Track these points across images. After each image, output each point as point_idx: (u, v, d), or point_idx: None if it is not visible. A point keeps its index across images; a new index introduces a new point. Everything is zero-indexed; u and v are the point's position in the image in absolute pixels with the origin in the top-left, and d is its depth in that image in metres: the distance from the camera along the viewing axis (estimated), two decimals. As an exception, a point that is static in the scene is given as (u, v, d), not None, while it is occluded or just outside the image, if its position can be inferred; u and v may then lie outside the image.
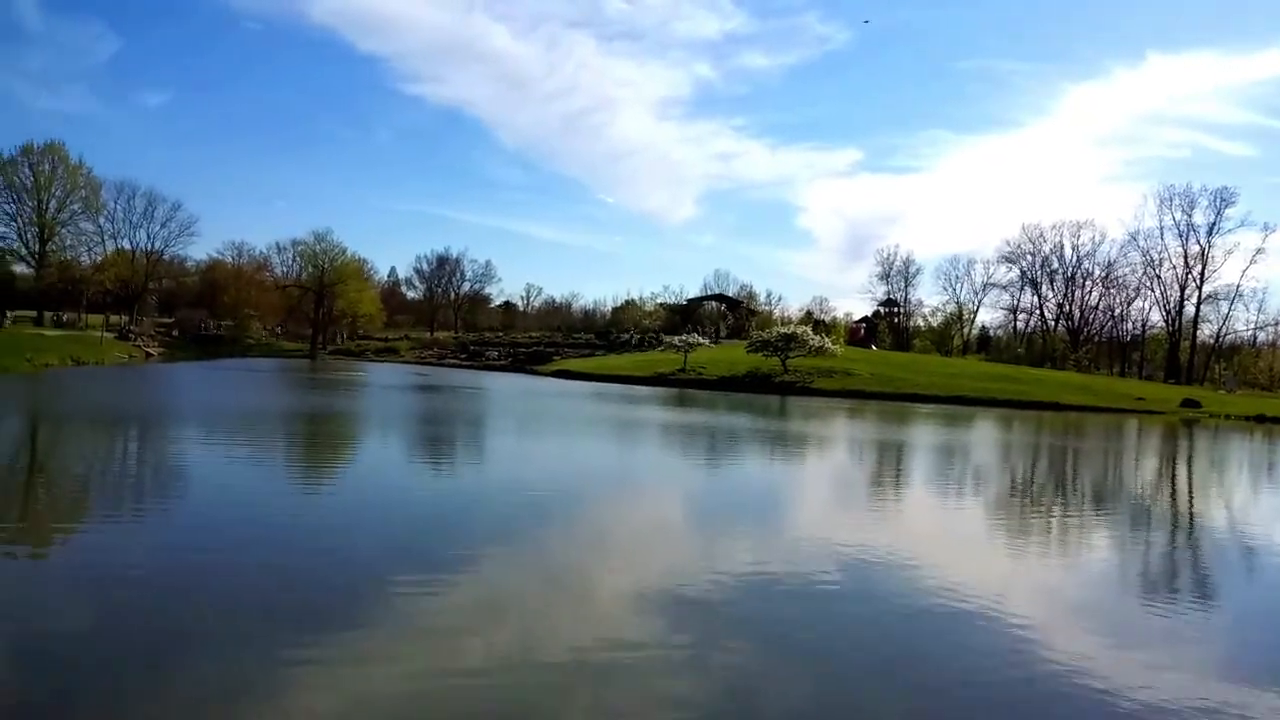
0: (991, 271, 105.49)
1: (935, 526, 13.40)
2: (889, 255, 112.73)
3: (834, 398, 47.15)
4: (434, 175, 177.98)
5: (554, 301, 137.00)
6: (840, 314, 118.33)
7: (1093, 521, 14.42)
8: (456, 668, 6.23)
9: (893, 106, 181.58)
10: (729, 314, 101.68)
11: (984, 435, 31.43)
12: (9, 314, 57.04)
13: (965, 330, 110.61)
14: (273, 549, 9.40)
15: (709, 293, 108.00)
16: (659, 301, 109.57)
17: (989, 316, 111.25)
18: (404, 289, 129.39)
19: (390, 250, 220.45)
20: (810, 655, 6.90)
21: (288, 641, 6.53)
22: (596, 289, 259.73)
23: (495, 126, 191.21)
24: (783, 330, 60.56)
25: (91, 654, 6.18)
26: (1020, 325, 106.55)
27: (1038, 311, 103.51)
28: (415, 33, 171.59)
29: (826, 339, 60.85)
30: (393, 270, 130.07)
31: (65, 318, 75.28)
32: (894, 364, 62.62)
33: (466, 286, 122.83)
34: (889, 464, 21.38)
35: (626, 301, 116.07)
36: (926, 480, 18.79)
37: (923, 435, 29.11)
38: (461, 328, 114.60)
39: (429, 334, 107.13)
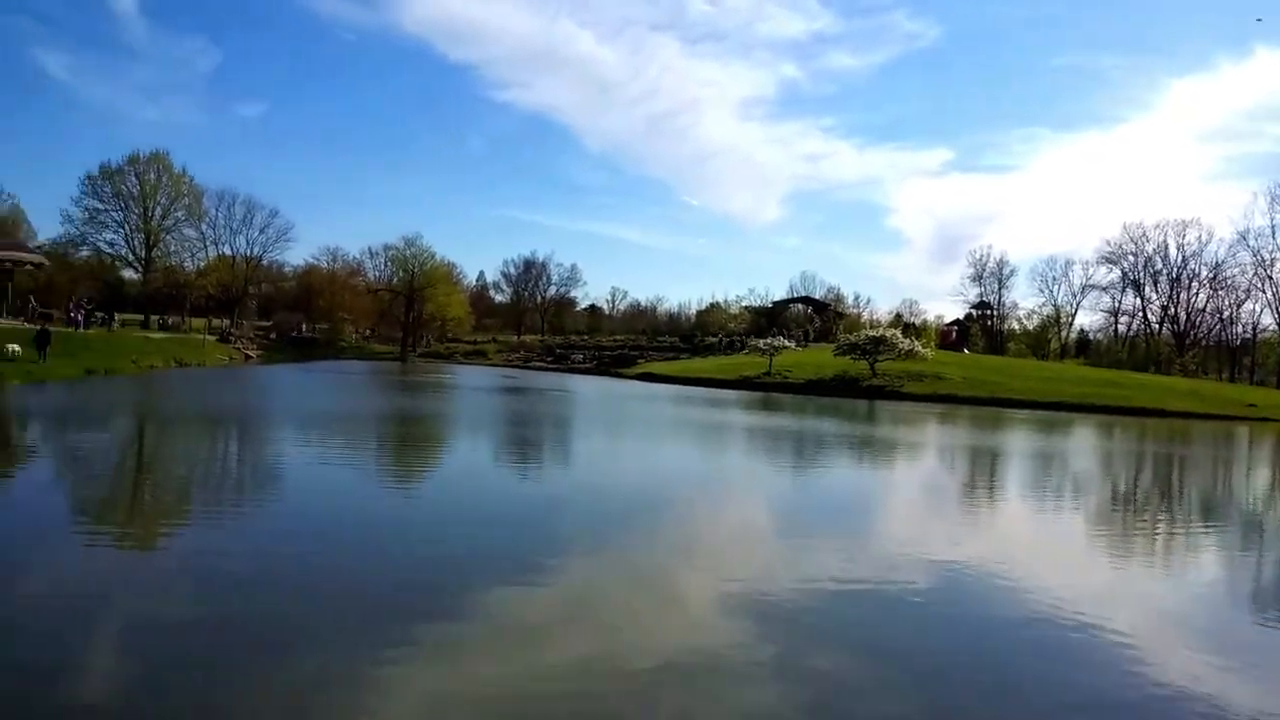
0: (1091, 273, 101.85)
1: (1032, 537, 12.93)
2: (982, 256, 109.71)
3: (924, 402, 46.14)
4: (521, 180, 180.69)
5: (639, 305, 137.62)
6: (930, 317, 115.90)
7: (1201, 534, 13.73)
8: (541, 670, 6.22)
9: (985, 104, 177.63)
10: (816, 317, 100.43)
11: (1084, 442, 30.33)
12: (117, 317, 59.72)
13: (1063, 334, 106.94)
14: (364, 547, 9.57)
15: (795, 295, 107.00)
16: (744, 304, 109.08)
17: (1088, 319, 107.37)
18: (492, 292, 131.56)
19: (479, 254, 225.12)
20: (900, 668, 6.67)
21: (376, 639, 6.58)
22: (681, 292, 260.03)
23: (581, 131, 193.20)
24: (871, 333, 59.50)
25: (191, 643, 6.35)
26: (1122, 329, 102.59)
27: (1140, 314, 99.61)
28: (503, 40, 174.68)
29: (917, 342, 59.56)
30: (481, 274, 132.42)
31: (170, 321, 78.68)
32: (987, 368, 60.97)
33: (553, 290, 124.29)
34: (982, 471, 20.77)
35: (711, 304, 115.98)
36: (1022, 489, 18.20)
37: (1018, 441, 28.27)
38: (548, 331, 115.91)
39: (516, 337, 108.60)
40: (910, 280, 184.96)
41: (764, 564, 9.86)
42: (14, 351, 35.04)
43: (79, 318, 53.62)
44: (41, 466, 14.78)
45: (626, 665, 6.37)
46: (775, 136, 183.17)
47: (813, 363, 60.30)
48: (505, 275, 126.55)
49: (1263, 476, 23.13)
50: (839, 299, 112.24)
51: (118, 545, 9.39)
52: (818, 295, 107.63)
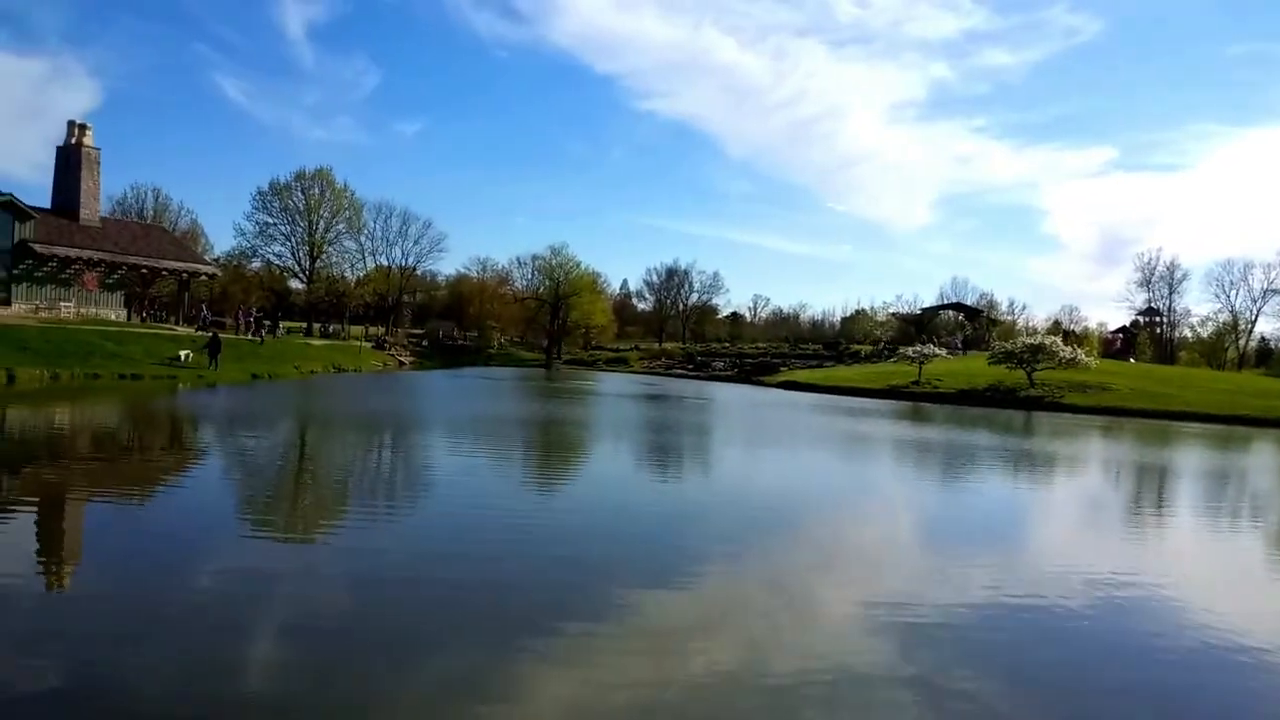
0: (1273, 276, 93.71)
1: (1204, 559, 11.95)
2: (1149, 260, 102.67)
3: (1087, 414, 43.50)
4: (664, 188, 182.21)
5: (781, 312, 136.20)
6: (1092, 324, 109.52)
7: None
8: (679, 679, 6.14)
9: (1151, 100, 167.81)
10: (967, 324, 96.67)
11: (1268, 459, 27.86)
12: (283, 325, 63.30)
13: (1241, 342, 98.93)
14: (510, 548, 9.71)
15: (945, 302, 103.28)
16: (891, 311, 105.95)
17: (1270, 327, 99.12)
18: (635, 300, 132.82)
19: (623, 263, 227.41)
20: (1055, 694, 6.24)
21: (518, 640, 6.68)
22: (825, 299, 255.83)
23: (723, 138, 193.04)
24: (1029, 340, 56.55)
25: (348, 637, 6.66)
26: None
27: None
28: (648, 51, 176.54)
29: (1079, 350, 56.30)
30: (625, 283, 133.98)
31: (330, 329, 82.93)
32: (1157, 378, 57.06)
33: (694, 297, 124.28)
34: (1150, 487, 19.28)
35: (856, 311, 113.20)
36: (1194, 507, 16.81)
37: (1192, 457, 26.21)
38: (689, 338, 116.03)
39: (657, 344, 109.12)
40: (1069, 286, 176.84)
41: (909, 580, 9.47)
42: (186, 357, 37.55)
43: (249, 324, 57.52)
44: (208, 463, 15.86)
45: (763, 678, 6.21)
46: (924, 139, 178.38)
47: (965, 371, 57.92)
48: (648, 283, 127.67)
49: None
50: (993, 305, 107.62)
51: (280, 541, 9.98)
52: (970, 302, 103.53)
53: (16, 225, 45.71)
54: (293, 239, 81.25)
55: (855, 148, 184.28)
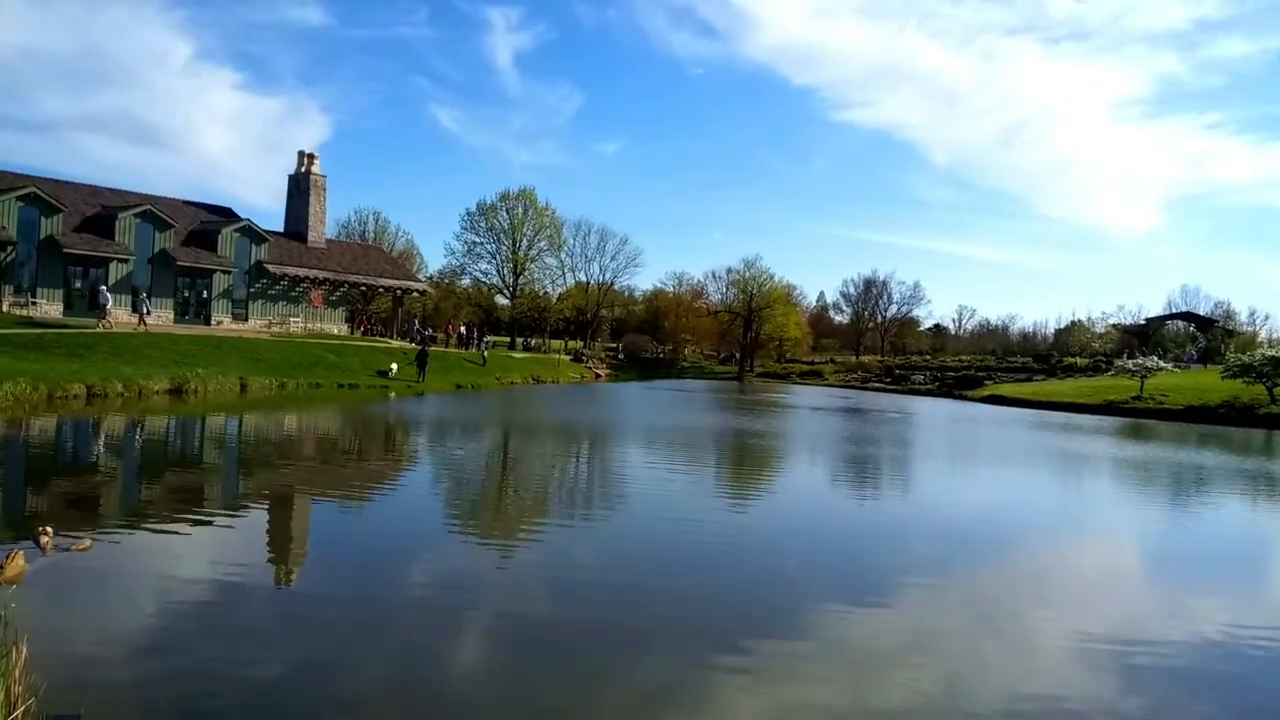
0: None
1: None
2: None
3: (1342, 434, 38.66)
4: (863, 199, 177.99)
5: (988, 323, 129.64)
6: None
7: None
8: (876, 702, 5.91)
9: None
10: (1199, 335, 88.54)
11: None
12: (489, 339, 66.26)
13: None
14: (702, 561, 9.70)
15: (1173, 311, 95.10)
16: (1111, 322, 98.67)
17: None
18: (831, 313, 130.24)
19: (819, 275, 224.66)
20: None
21: (713, 653, 6.65)
22: (1037, 310, 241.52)
23: (926, 146, 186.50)
24: (1270, 352, 51.01)
25: (545, 640, 6.83)
26: None
27: None
28: (848, 60, 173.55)
29: (1331, 363, 50.18)
30: (821, 295, 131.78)
31: (532, 342, 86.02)
32: None
33: (893, 309, 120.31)
34: None
35: (1071, 322, 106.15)
36: None
37: None
38: (888, 351, 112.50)
39: (854, 357, 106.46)
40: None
41: (1130, 610, 8.72)
42: (393, 370, 39.86)
43: (461, 339, 61.36)
44: (414, 468, 16.94)
45: (969, 707, 5.86)
46: (1150, 138, 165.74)
47: (1194, 386, 52.90)
48: (844, 295, 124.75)
49: None
50: (1229, 315, 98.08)
51: (485, 546, 10.47)
52: (1203, 311, 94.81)
53: (253, 247, 50.24)
54: (498, 257, 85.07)
55: (1071, 150, 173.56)
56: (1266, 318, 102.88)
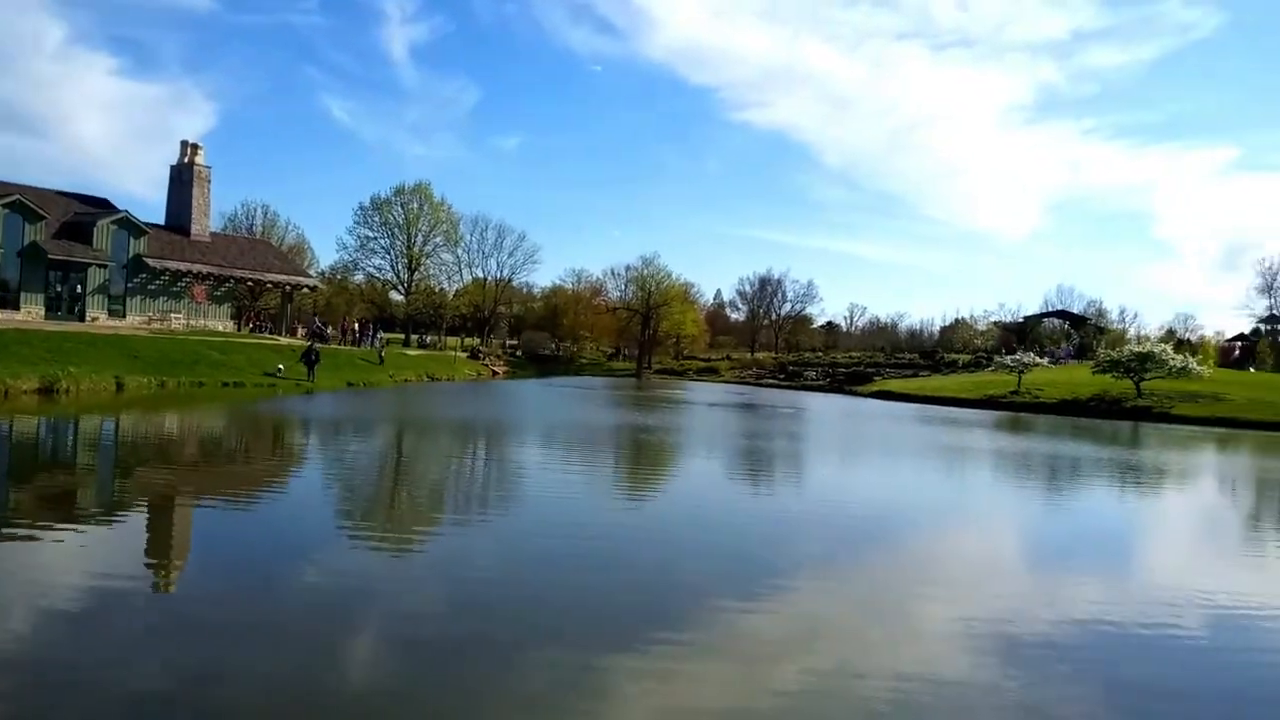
0: None
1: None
2: (1272, 265, 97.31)
3: (1199, 425, 41.26)
4: (759, 198, 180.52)
5: (878, 321, 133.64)
6: (1209, 333, 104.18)
7: None
8: (769, 691, 6.00)
9: (1276, 96, 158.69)
10: (1073, 332, 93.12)
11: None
12: (381, 336, 64.99)
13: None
14: (597, 559, 9.69)
15: (1049, 310, 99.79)
16: (993, 320, 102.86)
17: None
18: (727, 310, 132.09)
19: (716, 273, 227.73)
20: (1163, 717, 5.93)
21: (607, 650, 6.66)
22: (925, 308, 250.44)
23: (819, 147, 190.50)
24: (1136, 349, 54.05)
25: (439, 641, 6.75)
26: None
27: None
28: (745, 61, 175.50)
29: (1191, 359, 53.52)
30: (718, 293, 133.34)
31: (428, 340, 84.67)
32: (1277, 388, 53.86)
33: (787, 307, 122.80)
34: (1268, 503, 18.05)
35: (956, 320, 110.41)
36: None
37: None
38: (782, 348, 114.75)
39: (750, 354, 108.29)
40: (1185, 293, 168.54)
41: (1008, 595, 9.09)
42: (281, 368, 38.81)
43: (354, 336, 59.89)
44: (298, 467, 16.52)
45: (859, 691, 6.05)
46: (1030, 143, 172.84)
47: (1067, 381, 55.68)
48: (740, 293, 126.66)
49: None
50: (1101, 314, 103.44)
51: (378, 549, 10.20)
52: (1077, 310, 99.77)
53: (132, 240, 48.01)
54: (392, 252, 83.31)
55: (957, 154, 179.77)
56: (1135, 316, 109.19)
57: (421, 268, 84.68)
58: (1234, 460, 27.24)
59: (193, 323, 50.30)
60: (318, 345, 43.80)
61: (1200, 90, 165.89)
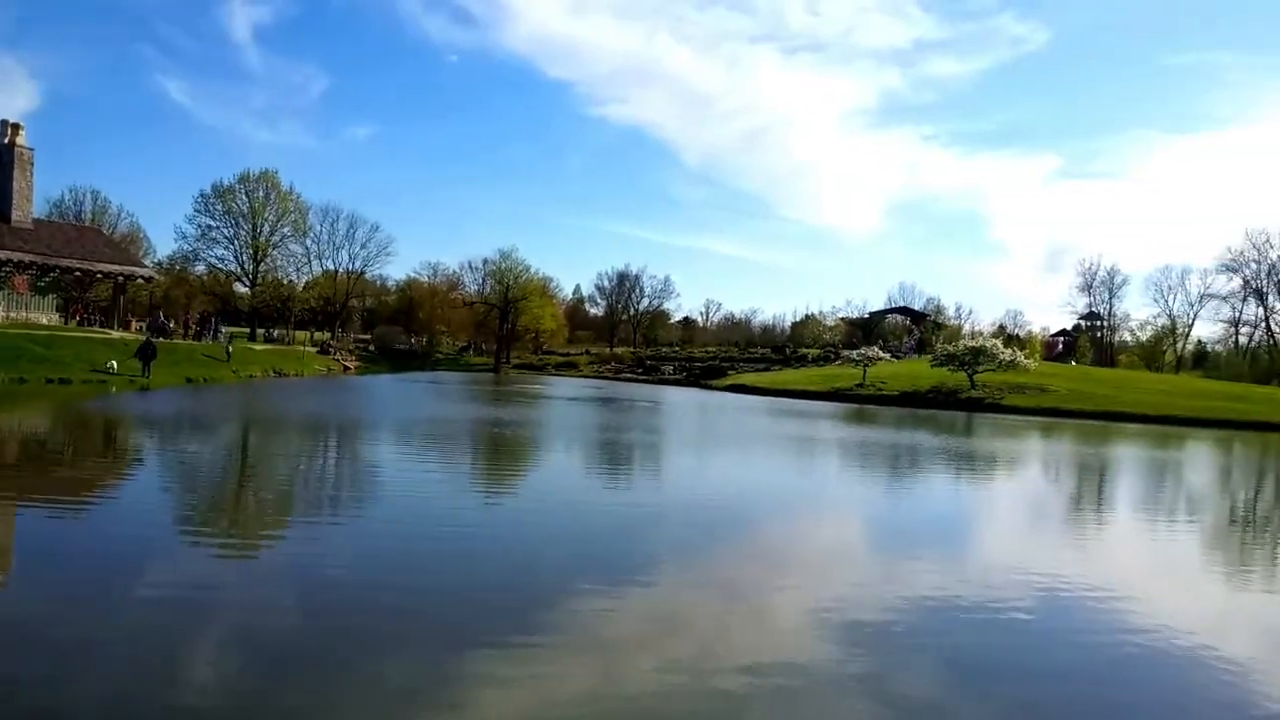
0: (1209, 281, 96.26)
1: (1141, 557, 12.14)
2: (1091, 266, 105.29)
3: (1027, 415, 44.19)
4: (618, 194, 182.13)
5: (733, 317, 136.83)
6: (1036, 328, 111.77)
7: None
8: (629, 684, 6.06)
9: (1094, 108, 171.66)
10: (914, 328, 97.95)
11: (1201, 458, 28.56)
12: (225, 330, 62.08)
13: (1179, 345, 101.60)
14: (453, 557, 9.53)
15: (893, 306, 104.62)
16: (840, 316, 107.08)
17: (1206, 331, 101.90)
18: (587, 306, 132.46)
19: (576, 268, 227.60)
20: (998, 691, 6.29)
21: (470, 645, 6.59)
22: (777, 304, 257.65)
23: (678, 145, 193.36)
24: (970, 343, 57.40)
25: (293, 648, 6.46)
26: (1243, 340, 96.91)
27: (1264, 325, 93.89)
28: (601, 57, 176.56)
29: (1019, 353, 57.22)
30: (577, 288, 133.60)
31: (275, 334, 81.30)
32: (1096, 380, 58.24)
33: (645, 302, 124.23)
34: (1088, 487, 19.53)
35: (806, 316, 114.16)
36: (1130, 506, 17.08)
37: (1127, 457, 26.64)
38: (640, 343, 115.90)
39: (608, 349, 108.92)
40: (1015, 291, 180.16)
41: (855, 580, 9.48)
42: (111, 366, 36.54)
43: (195, 330, 56.73)
44: (126, 471, 15.54)
45: (713, 680, 6.15)
46: (875, 147, 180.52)
47: (908, 374, 58.60)
48: (599, 288, 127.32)
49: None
50: (939, 310, 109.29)
51: (218, 550, 9.67)
52: (918, 307, 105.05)
53: (-58, 227, 44.15)
54: (236, 242, 79.47)
55: (807, 155, 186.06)
56: (970, 312, 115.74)
57: (268, 259, 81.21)
58: (1057, 447, 29.28)
59: (13, 315, 46.69)
60: (155, 340, 41.43)
61: (1028, 101, 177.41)
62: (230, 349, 50.46)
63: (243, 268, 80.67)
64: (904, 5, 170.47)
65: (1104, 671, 6.73)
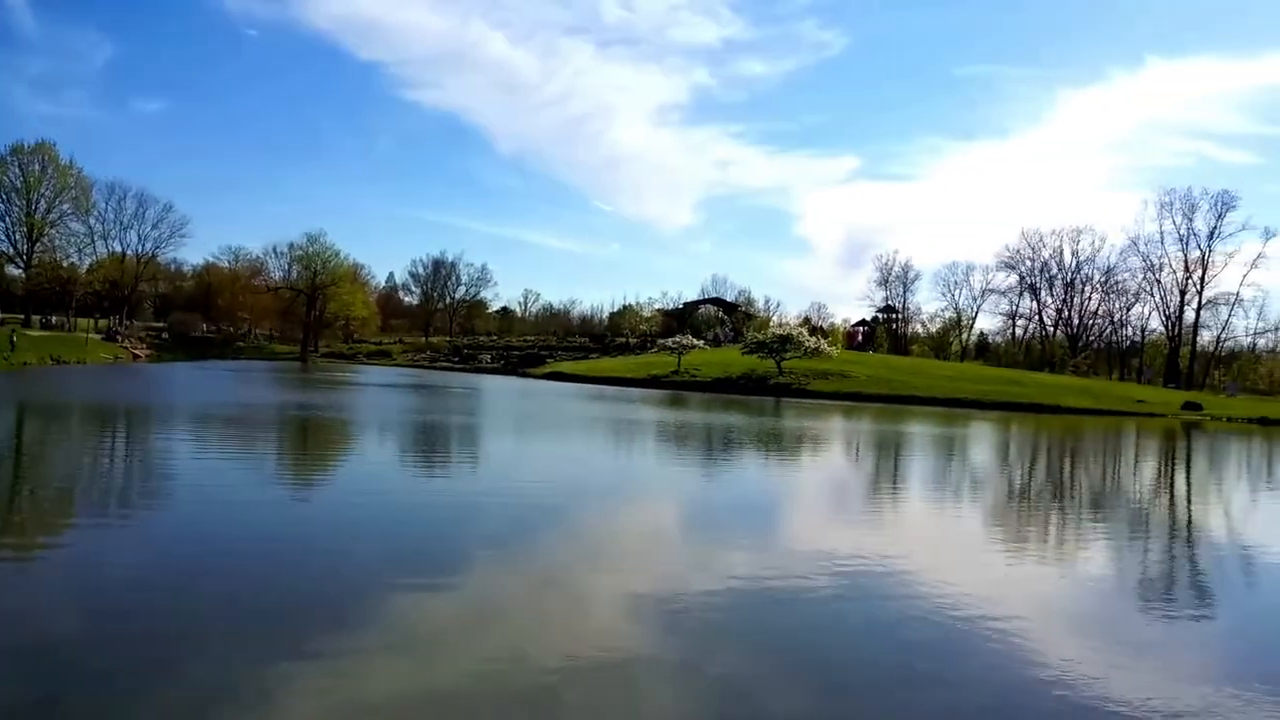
0: (990, 278, 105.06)
1: (929, 531, 12.78)
2: (887, 262, 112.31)
3: (830, 399, 46.55)
4: (432, 181, 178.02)
5: (552, 307, 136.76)
6: (838, 320, 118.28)
7: (1089, 525, 13.74)
8: (446, 674, 5.83)
9: (890, 113, 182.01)
10: (726, 318, 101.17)
11: (981, 437, 30.80)
12: (-7, 315, 56.62)
13: (964, 336, 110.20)
14: (263, 551, 8.89)
15: (706, 297, 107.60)
16: (657, 307, 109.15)
17: (988, 323, 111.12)
18: (401, 294, 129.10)
19: (389, 255, 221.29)
20: (804, 666, 6.43)
21: (277, 646, 6.14)
22: (595, 295, 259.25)
23: (493, 133, 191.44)
24: (778, 332, 59.86)
25: (83, 656, 5.80)
26: (1019, 331, 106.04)
27: (1037, 317, 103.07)
28: (415, 40, 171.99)
29: (823, 341, 60.19)
30: (391, 276, 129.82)
31: (53, 320, 74.55)
32: (893, 367, 62.06)
33: (462, 291, 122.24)
34: (884, 467, 20.71)
35: (624, 307, 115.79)
36: (920, 483, 18.15)
37: (918, 437, 28.43)
38: (457, 332, 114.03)
39: (424, 338, 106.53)
40: (819, 285, 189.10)
41: (669, 563, 9.49)
42: None
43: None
44: None
45: (531, 669, 5.99)
46: (688, 142, 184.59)
47: (720, 361, 60.45)
48: (414, 275, 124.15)
49: (1150, 468, 23.66)
50: (750, 302, 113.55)
51: None
52: (730, 299, 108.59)
53: None
54: (7, 219, 72.23)
55: (622, 148, 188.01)
56: (779, 304, 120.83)
57: (45, 238, 74.29)
58: (857, 428, 30.88)
59: None
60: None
61: (830, 104, 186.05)
62: (15, 339, 45.69)
63: (15, 248, 73.48)
64: (715, 5, 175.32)
65: (899, 643, 6.97)
